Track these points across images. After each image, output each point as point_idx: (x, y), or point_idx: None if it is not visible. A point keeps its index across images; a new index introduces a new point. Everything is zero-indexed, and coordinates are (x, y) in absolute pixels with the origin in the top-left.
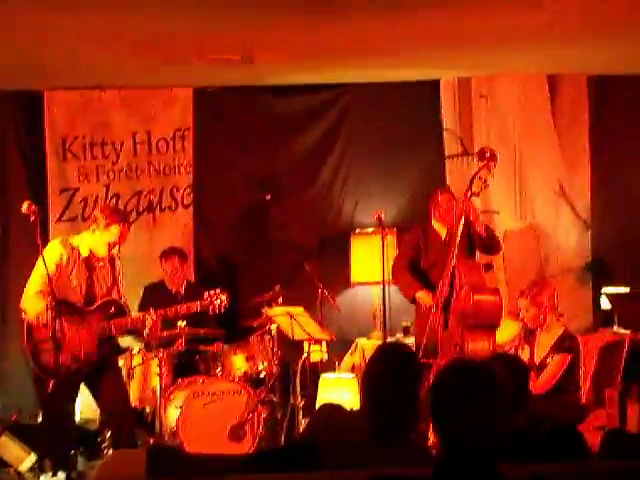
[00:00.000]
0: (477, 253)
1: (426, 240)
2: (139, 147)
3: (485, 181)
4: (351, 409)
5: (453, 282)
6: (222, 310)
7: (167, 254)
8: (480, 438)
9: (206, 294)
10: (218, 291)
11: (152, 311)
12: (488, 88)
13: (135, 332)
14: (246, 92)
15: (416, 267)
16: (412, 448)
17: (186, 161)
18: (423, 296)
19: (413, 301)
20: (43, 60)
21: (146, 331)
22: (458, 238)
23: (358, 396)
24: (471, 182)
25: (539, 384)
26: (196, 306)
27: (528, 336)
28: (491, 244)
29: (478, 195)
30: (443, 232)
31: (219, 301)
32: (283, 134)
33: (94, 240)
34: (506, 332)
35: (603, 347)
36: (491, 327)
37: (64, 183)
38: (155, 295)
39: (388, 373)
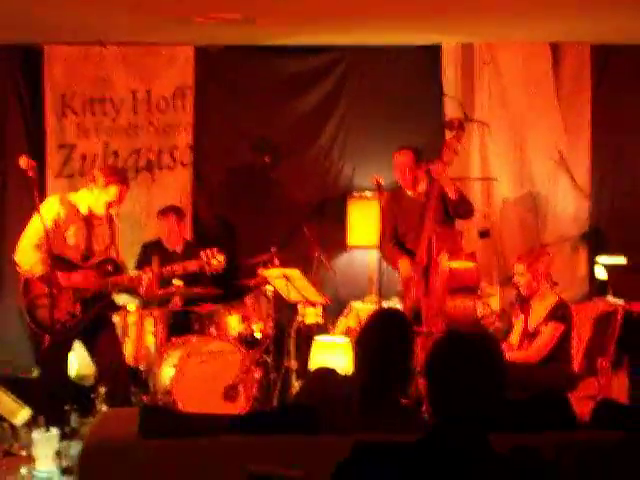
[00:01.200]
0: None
1: (398, 206)
2: (139, 105)
3: (455, 151)
4: (345, 374)
5: (430, 249)
6: (219, 270)
7: (164, 212)
8: (475, 408)
9: (203, 254)
10: (215, 251)
11: (148, 270)
12: (491, 55)
13: (131, 290)
14: (247, 52)
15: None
16: (404, 414)
17: (186, 120)
18: (403, 265)
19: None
20: (43, 14)
21: (142, 289)
22: (432, 206)
23: (352, 360)
24: (441, 152)
25: (532, 352)
26: (193, 265)
27: (522, 304)
28: (463, 208)
29: (449, 165)
30: (411, 193)
31: (216, 261)
32: (283, 95)
33: (93, 199)
34: (500, 299)
35: (597, 317)
36: (471, 289)
37: (63, 139)
38: (152, 253)
39: (381, 338)
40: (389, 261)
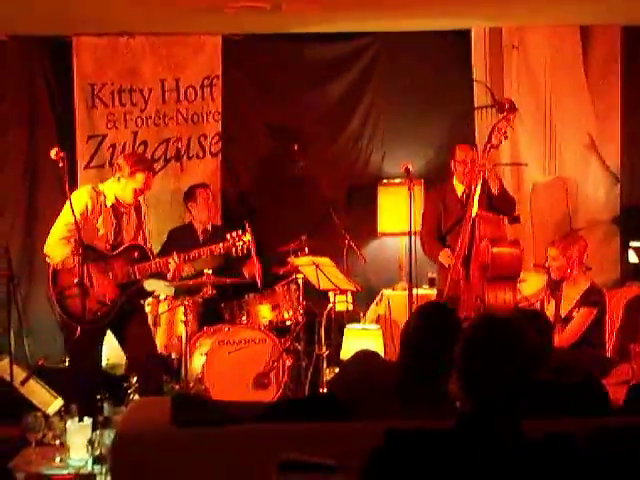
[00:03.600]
0: None
1: (445, 200)
2: (167, 94)
3: (505, 133)
4: (387, 359)
5: (473, 235)
6: (245, 252)
7: (201, 185)
8: (507, 392)
9: (229, 235)
10: (240, 232)
11: (175, 254)
12: (519, 39)
13: (160, 276)
14: (275, 40)
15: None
16: (442, 404)
17: (214, 109)
18: (443, 256)
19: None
20: (71, 5)
21: (170, 274)
22: (478, 192)
23: (382, 347)
24: (490, 134)
25: (564, 337)
26: (219, 248)
27: (554, 289)
28: (504, 204)
29: (497, 147)
30: (460, 189)
31: (241, 243)
32: (312, 83)
33: (120, 188)
34: (532, 284)
35: (629, 301)
36: (511, 279)
37: (92, 130)
38: (180, 237)
39: (430, 329)
40: (431, 256)
